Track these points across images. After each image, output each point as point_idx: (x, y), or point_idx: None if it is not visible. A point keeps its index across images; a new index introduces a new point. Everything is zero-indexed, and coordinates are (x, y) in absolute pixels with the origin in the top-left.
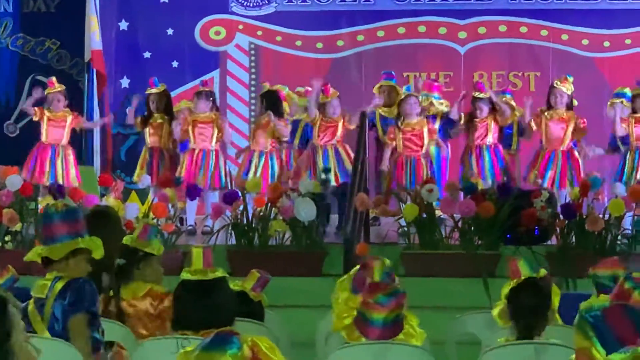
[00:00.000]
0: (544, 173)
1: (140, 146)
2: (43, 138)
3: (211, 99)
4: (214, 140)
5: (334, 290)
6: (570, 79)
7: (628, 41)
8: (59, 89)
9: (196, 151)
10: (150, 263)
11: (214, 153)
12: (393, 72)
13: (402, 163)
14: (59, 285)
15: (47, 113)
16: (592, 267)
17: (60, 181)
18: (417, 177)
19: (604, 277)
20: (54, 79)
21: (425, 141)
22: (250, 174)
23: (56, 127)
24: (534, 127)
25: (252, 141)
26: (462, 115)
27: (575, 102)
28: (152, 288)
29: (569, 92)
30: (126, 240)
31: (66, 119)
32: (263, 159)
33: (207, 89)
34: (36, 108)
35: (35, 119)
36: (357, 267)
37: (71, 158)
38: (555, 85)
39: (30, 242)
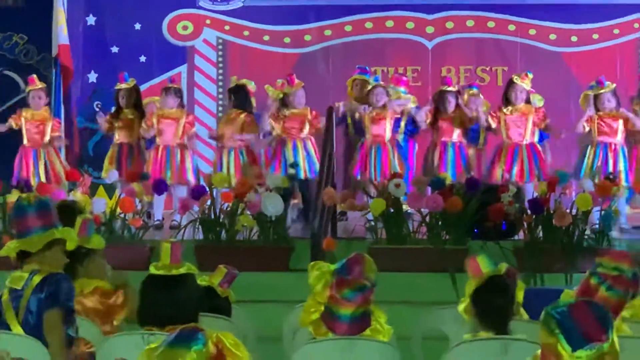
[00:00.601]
0: (511, 168)
1: (108, 141)
2: (25, 142)
3: (180, 96)
4: (179, 136)
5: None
6: (530, 76)
7: (595, 36)
8: (40, 87)
9: (160, 147)
10: (93, 259)
11: (179, 149)
12: (367, 68)
13: (367, 150)
14: (37, 279)
15: (24, 114)
16: (600, 256)
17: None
18: (382, 163)
19: (608, 268)
20: (34, 76)
21: (388, 126)
22: (223, 170)
23: (36, 127)
24: (492, 125)
25: (221, 134)
26: (428, 115)
27: (542, 101)
28: (98, 285)
29: (528, 88)
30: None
31: (46, 122)
32: (232, 154)
33: (175, 86)
34: (13, 117)
35: (15, 127)
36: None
37: (54, 156)
38: (514, 81)
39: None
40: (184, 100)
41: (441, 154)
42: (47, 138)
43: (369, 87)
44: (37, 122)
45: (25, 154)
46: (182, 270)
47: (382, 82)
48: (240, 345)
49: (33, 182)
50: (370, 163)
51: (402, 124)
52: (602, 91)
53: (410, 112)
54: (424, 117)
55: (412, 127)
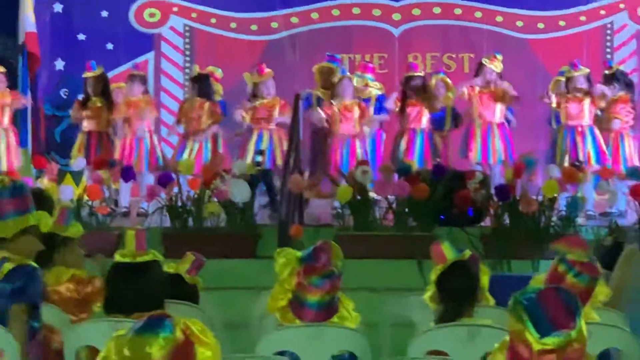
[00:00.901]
0: (486, 146)
1: (75, 128)
2: None
3: (145, 83)
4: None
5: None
6: (500, 57)
7: (562, 23)
8: (1, 71)
9: (129, 135)
10: (71, 247)
11: (148, 134)
12: (337, 56)
13: (336, 143)
14: (8, 267)
15: None
16: (555, 242)
17: (3, 163)
18: (350, 156)
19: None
20: None
21: (356, 120)
22: (185, 156)
23: None
24: (465, 96)
25: (184, 124)
26: (397, 102)
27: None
28: (75, 273)
29: (498, 71)
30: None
31: (5, 99)
32: (197, 143)
33: (140, 73)
34: None
35: None
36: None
37: (13, 140)
38: (483, 63)
39: None
40: (149, 86)
41: (409, 142)
42: (7, 121)
43: (336, 77)
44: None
45: None
46: (147, 258)
47: (348, 74)
48: (208, 331)
49: None
50: (337, 153)
51: (370, 112)
52: (576, 74)
53: (377, 99)
54: (392, 105)
55: (382, 111)
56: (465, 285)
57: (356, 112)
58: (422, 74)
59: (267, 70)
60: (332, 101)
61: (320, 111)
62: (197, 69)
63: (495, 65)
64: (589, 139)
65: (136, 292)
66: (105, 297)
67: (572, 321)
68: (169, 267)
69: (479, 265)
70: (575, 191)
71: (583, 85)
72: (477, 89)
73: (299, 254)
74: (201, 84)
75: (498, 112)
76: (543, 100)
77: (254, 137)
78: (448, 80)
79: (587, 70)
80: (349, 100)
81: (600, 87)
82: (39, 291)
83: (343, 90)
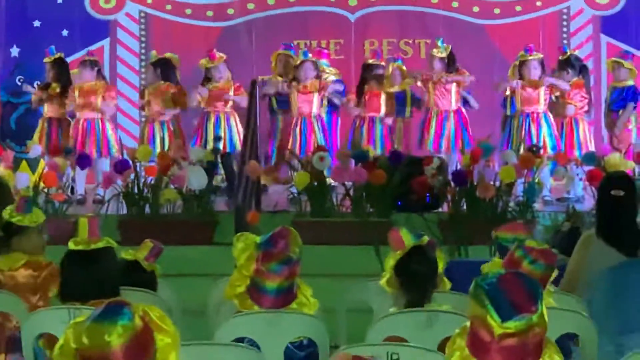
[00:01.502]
0: (440, 135)
1: (30, 115)
2: None
3: (96, 68)
4: (98, 109)
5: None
6: (439, 42)
7: (518, 8)
8: None
9: (81, 121)
10: (28, 234)
11: (99, 122)
12: (292, 45)
13: (292, 125)
14: None
15: None
16: (496, 230)
17: None
18: (307, 138)
19: (506, 240)
20: None
21: (315, 101)
22: (157, 145)
23: None
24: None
25: (147, 109)
26: (350, 98)
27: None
28: (30, 259)
29: (442, 55)
30: (4, 213)
31: None
32: (162, 127)
33: (91, 58)
34: None
35: None
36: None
37: None
38: (431, 53)
39: None
40: (105, 72)
41: (369, 130)
42: None
43: (297, 61)
44: None
45: None
46: (100, 245)
47: (311, 56)
48: (167, 318)
49: None
50: (295, 137)
51: (325, 97)
52: (530, 58)
53: (331, 86)
54: (343, 100)
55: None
56: (425, 271)
57: (316, 93)
58: (382, 62)
59: (218, 55)
60: (293, 83)
61: (277, 81)
62: (155, 54)
63: (438, 51)
64: (544, 125)
65: (90, 279)
66: (60, 285)
67: (534, 305)
68: (127, 254)
69: (435, 251)
70: (532, 177)
71: (537, 69)
72: (432, 77)
73: (258, 239)
74: (163, 68)
75: (453, 99)
76: (499, 91)
77: (212, 122)
78: (404, 67)
79: (541, 55)
80: (310, 82)
81: (548, 80)
82: None
83: (305, 72)
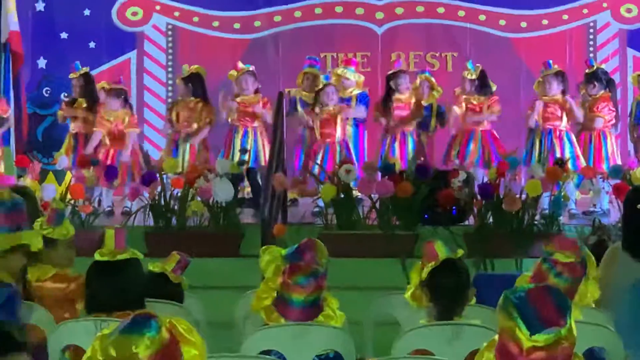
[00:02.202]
0: (465, 150)
1: (57, 127)
2: None
3: (123, 96)
4: (129, 147)
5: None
6: (469, 64)
7: (545, 21)
8: None
9: (111, 151)
10: (57, 247)
11: (129, 152)
12: (317, 59)
13: (317, 149)
14: None
15: None
16: (546, 243)
17: None
18: (329, 161)
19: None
20: None
21: (339, 127)
22: (179, 158)
23: None
24: (457, 112)
25: (177, 124)
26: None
27: (493, 86)
28: (58, 271)
29: (474, 77)
30: (35, 225)
31: None
32: (189, 142)
33: (117, 87)
34: None
35: None
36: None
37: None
38: (463, 75)
39: None
40: (132, 84)
41: (401, 145)
42: None
43: (320, 84)
44: None
45: None
46: (125, 256)
47: (332, 81)
48: (194, 330)
49: None
50: (318, 159)
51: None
52: (547, 73)
53: (357, 98)
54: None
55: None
56: (457, 283)
57: (339, 119)
58: (403, 69)
59: (241, 66)
60: (316, 108)
61: (301, 111)
62: (187, 68)
63: (469, 74)
64: (566, 143)
65: (114, 291)
66: (86, 296)
67: (562, 319)
68: (154, 267)
69: (465, 264)
70: (558, 190)
71: (552, 85)
72: (462, 98)
73: (284, 251)
74: (194, 83)
75: (485, 119)
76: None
77: (239, 135)
78: (433, 79)
79: (558, 69)
80: (332, 107)
81: (568, 100)
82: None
83: (327, 97)
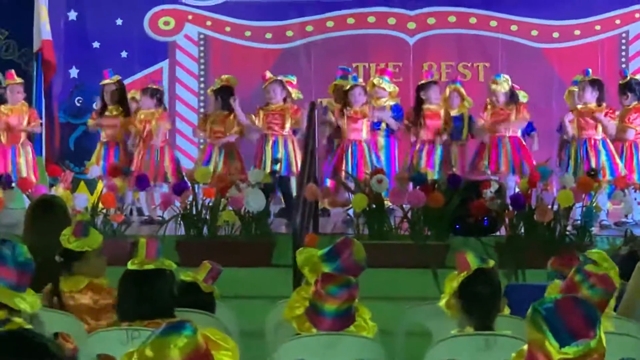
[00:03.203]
0: (497, 159)
1: (90, 136)
2: (3, 139)
3: (157, 96)
4: (160, 137)
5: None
6: (499, 79)
7: (577, 32)
8: (19, 82)
9: (142, 150)
10: (87, 258)
11: (158, 151)
12: (349, 69)
13: (344, 148)
14: None
15: (3, 109)
16: (551, 263)
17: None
18: (358, 161)
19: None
20: (12, 71)
21: (365, 128)
22: (211, 166)
23: (14, 121)
24: (483, 121)
25: (209, 134)
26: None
27: (526, 97)
28: (92, 281)
29: (505, 90)
30: (62, 238)
31: (24, 113)
32: (223, 152)
33: (152, 87)
34: None
35: None
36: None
37: (31, 154)
38: (491, 89)
39: None
40: (165, 95)
41: (429, 154)
42: (23, 137)
43: (347, 86)
44: (16, 114)
45: (2, 152)
46: (155, 266)
47: (360, 81)
48: (228, 338)
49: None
50: (347, 162)
51: (383, 122)
52: (583, 80)
53: (391, 107)
54: (400, 126)
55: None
56: (490, 293)
57: (366, 118)
58: (436, 78)
59: (269, 75)
60: (344, 110)
61: (331, 117)
62: (219, 81)
63: (499, 87)
64: (602, 151)
65: (143, 300)
66: (117, 305)
67: (592, 331)
68: (186, 276)
69: (497, 275)
70: (590, 201)
71: (587, 92)
72: (488, 113)
73: (320, 252)
74: (223, 96)
75: (511, 127)
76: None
77: (269, 144)
78: (462, 89)
79: (592, 77)
80: (359, 107)
81: (598, 117)
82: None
83: (354, 97)
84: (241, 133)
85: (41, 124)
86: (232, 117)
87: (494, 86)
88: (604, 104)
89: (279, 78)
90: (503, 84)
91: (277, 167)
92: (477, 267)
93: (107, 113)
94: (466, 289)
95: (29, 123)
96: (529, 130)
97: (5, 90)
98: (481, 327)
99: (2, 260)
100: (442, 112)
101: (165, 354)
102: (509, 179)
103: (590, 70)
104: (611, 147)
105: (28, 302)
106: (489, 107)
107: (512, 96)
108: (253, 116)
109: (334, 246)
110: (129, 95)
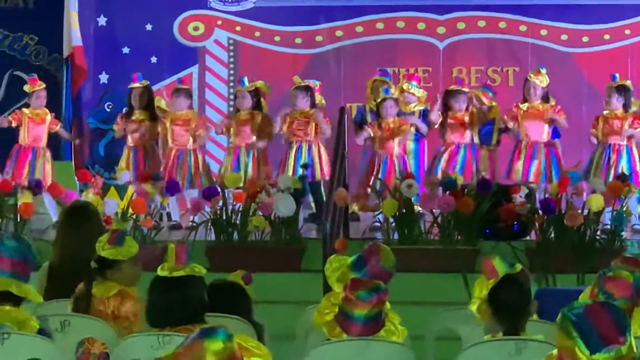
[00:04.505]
0: (529, 166)
1: (119, 142)
2: (22, 140)
3: (189, 97)
4: (191, 139)
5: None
6: (544, 71)
7: (607, 36)
8: (42, 87)
9: (174, 151)
10: (120, 267)
11: (192, 152)
12: (388, 70)
13: (376, 162)
14: None
15: (27, 112)
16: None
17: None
18: (387, 174)
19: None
20: (35, 76)
21: (397, 144)
22: (241, 171)
23: (37, 125)
24: (509, 125)
25: (234, 137)
26: (440, 115)
27: (553, 100)
28: (123, 289)
29: (543, 85)
30: (98, 245)
31: (46, 118)
32: (251, 154)
33: (185, 87)
34: (13, 114)
35: (14, 125)
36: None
37: (50, 159)
38: (529, 78)
39: None
40: (195, 100)
41: (452, 155)
42: (44, 141)
43: (380, 97)
44: (39, 118)
45: (22, 152)
46: (184, 272)
47: (392, 93)
48: (261, 345)
49: (24, 181)
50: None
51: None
52: (610, 86)
53: (420, 113)
54: (436, 117)
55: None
56: (519, 299)
57: (397, 136)
58: (467, 89)
59: (296, 81)
60: (377, 121)
61: (367, 129)
62: (252, 85)
63: (540, 80)
64: (624, 158)
65: (175, 306)
66: (147, 310)
67: (622, 336)
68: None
69: (528, 280)
70: (620, 205)
71: (620, 99)
72: (523, 107)
73: (349, 259)
74: (253, 97)
75: (545, 131)
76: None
77: (293, 150)
78: (482, 96)
79: (618, 83)
80: (391, 120)
81: (627, 131)
82: None
83: (386, 111)
84: (269, 135)
85: (65, 128)
86: (259, 116)
87: (534, 77)
88: (631, 111)
89: (303, 84)
90: (544, 78)
91: (306, 172)
92: (505, 273)
93: (133, 117)
94: (495, 295)
95: (51, 125)
96: (553, 137)
97: (31, 95)
98: (511, 332)
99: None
100: (466, 118)
101: (200, 358)
102: (540, 185)
103: (617, 75)
104: (635, 155)
105: (32, 293)
106: (521, 106)
107: (546, 95)
108: (279, 120)
109: (361, 254)
110: (155, 103)
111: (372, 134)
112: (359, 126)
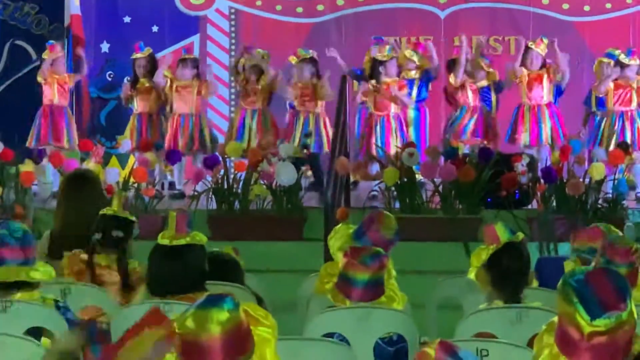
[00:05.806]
0: (538, 129)
1: (121, 111)
2: (51, 100)
3: (195, 66)
4: (194, 105)
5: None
6: (545, 41)
7: (608, 5)
8: (62, 53)
9: (176, 116)
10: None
11: (193, 118)
12: (383, 38)
13: (373, 123)
14: None
15: (56, 76)
16: (572, 239)
17: (62, 142)
18: (386, 134)
19: (583, 250)
20: (55, 43)
21: (393, 104)
22: (245, 135)
23: (63, 91)
24: (514, 80)
25: (242, 100)
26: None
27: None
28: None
29: (544, 54)
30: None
31: (68, 81)
32: (256, 117)
33: (191, 57)
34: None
35: (41, 80)
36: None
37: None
38: (529, 46)
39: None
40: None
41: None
42: (67, 102)
43: (383, 57)
44: (65, 83)
45: (50, 113)
46: (184, 241)
47: (393, 54)
48: (269, 315)
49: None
50: (375, 136)
51: (414, 91)
52: (632, 62)
53: (422, 78)
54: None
55: (429, 79)
56: (519, 267)
57: (394, 90)
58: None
59: (300, 52)
60: (372, 82)
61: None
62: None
63: (541, 49)
64: (637, 124)
65: (175, 274)
66: (148, 279)
67: (623, 302)
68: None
69: (526, 248)
70: (621, 173)
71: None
72: (525, 72)
73: (352, 228)
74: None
75: (546, 93)
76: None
77: (300, 120)
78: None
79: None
80: (389, 79)
81: (393, 88)
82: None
83: (387, 71)
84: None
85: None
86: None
87: (534, 45)
88: None
89: (307, 56)
90: (545, 47)
91: (308, 141)
92: (506, 240)
93: (138, 86)
94: (495, 262)
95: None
96: (557, 96)
97: (42, 62)
98: (510, 300)
99: (3, 241)
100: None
101: (206, 328)
102: (542, 152)
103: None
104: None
105: (41, 272)
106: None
107: (544, 63)
108: (290, 89)
109: (361, 223)
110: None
111: (371, 88)
112: (356, 79)
